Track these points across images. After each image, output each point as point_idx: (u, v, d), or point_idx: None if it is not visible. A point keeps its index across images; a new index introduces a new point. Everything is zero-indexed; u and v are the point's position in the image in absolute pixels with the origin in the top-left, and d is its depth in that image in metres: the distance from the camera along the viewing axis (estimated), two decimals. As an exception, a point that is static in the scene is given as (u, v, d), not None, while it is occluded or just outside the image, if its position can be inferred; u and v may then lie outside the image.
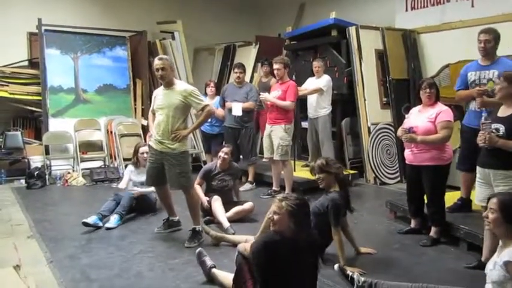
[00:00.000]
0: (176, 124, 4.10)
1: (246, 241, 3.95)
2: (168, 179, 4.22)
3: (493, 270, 2.41)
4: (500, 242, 2.49)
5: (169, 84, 4.15)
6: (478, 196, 3.43)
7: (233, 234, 4.29)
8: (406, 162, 4.23)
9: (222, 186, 4.99)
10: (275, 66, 5.73)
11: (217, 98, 6.65)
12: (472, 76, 4.23)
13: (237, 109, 6.21)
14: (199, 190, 4.88)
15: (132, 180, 5.23)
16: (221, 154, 5.01)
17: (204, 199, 4.83)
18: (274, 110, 5.71)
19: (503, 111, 3.28)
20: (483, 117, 3.22)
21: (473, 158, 4.18)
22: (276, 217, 2.57)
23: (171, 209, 4.57)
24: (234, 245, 3.99)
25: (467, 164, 4.33)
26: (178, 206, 4.61)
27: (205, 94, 6.65)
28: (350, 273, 3.06)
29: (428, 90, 4.02)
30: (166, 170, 4.17)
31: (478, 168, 3.42)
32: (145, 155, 5.23)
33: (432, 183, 4.01)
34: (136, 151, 5.33)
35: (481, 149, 3.34)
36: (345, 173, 3.88)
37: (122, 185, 5.21)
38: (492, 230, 2.57)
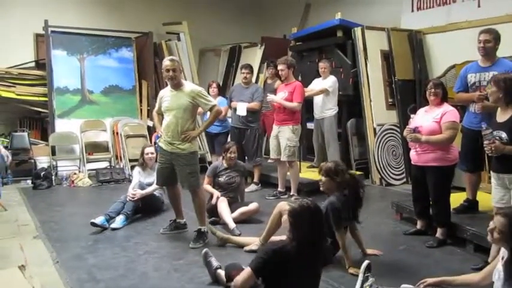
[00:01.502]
0: (186, 125, 4.11)
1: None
2: (179, 179, 4.24)
3: (498, 280, 2.36)
4: (504, 250, 2.43)
5: (177, 86, 4.15)
6: (494, 198, 3.40)
7: (239, 235, 4.28)
8: (412, 162, 4.22)
9: (230, 182, 4.98)
10: (279, 67, 5.73)
11: (219, 98, 6.64)
12: (472, 78, 4.21)
13: (242, 109, 6.21)
14: (209, 188, 4.89)
15: (139, 181, 5.23)
16: (228, 154, 5.02)
17: (216, 193, 4.82)
18: (281, 111, 5.70)
19: (500, 116, 3.28)
20: (483, 127, 3.20)
21: (474, 158, 4.20)
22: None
23: (179, 210, 4.57)
24: (240, 246, 4.00)
25: (469, 165, 4.33)
26: (183, 206, 4.60)
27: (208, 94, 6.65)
28: (368, 274, 3.03)
29: (433, 90, 4.00)
30: (177, 170, 4.19)
31: (492, 174, 3.40)
32: (150, 155, 5.27)
33: (436, 183, 3.99)
34: (142, 152, 5.35)
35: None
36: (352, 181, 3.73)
37: (131, 187, 5.18)
38: (497, 244, 2.49)
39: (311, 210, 2.59)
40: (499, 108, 3.31)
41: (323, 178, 3.62)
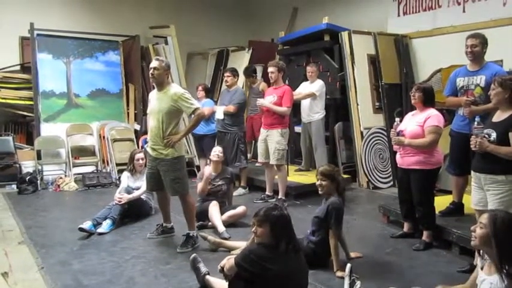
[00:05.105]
0: (168, 129, 4.03)
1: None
2: (164, 185, 4.18)
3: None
4: (489, 259, 2.40)
5: (161, 87, 4.10)
6: (472, 200, 3.44)
7: (229, 238, 4.28)
8: (398, 165, 4.25)
9: (216, 191, 4.96)
10: (269, 69, 5.72)
11: (207, 100, 6.64)
12: (460, 82, 4.27)
13: (219, 112, 6.30)
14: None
15: (127, 185, 5.19)
16: (212, 158, 5.04)
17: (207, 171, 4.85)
18: (270, 115, 5.69)
19: (498, 116, 3.28)
20: (476, 122, 3.22)
21: (462, 162, 4.23)
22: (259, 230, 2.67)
23: (167, 215, 4.53)
24: (231, 250, 3.99)
25: (456, 168, 4.37)
26: (172, 210, 4.57)
27: (197, 98, 6.67)
28: (354, 277, 3.03)
29: (413, 93, 4.08)
30: (162, 176, 4.14)
31: (472, 173, 3.43)
32: (140, 161, 5.24)
33: (419, 186, 4.03)
34: (132, 158, 5.31)
35: (474, 153, 3.35)
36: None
37: (118, 191, 5.15)
38: (477, 247, 2.45)
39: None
40: (498, 110, 3.29)
41: (323, 182, 3.63)
